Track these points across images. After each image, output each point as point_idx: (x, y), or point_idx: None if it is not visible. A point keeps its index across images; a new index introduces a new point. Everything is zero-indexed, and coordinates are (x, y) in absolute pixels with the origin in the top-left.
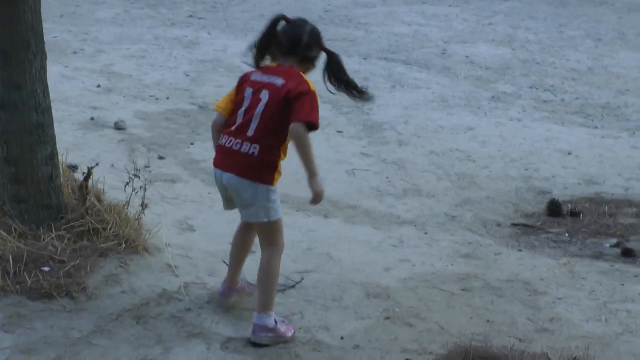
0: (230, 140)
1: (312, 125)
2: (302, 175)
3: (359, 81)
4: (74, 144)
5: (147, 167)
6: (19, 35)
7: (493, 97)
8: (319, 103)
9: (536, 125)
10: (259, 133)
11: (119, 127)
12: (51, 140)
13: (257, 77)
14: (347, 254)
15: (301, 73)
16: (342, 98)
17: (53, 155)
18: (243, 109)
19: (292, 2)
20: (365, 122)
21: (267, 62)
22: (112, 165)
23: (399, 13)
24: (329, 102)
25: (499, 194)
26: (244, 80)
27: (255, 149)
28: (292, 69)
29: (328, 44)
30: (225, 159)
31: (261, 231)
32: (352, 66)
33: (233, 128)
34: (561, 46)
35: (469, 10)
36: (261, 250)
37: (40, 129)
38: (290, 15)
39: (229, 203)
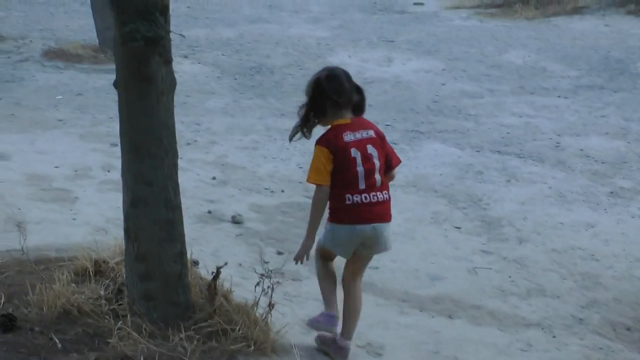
0: (368, 196)
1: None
2: (423, 272)
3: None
4: (193, 238)
5: (265, 262)
6: (152, 131)
7: (612, 192)
8: None
9: None
10: (383, 180)
11: (236, 220)
12: (180, 238)
13: (352, 136)
14: (475, 357)
15: None
16: (457, 192)
17: (182, 253)
18: (361, 167)
19: (399, 92)
20: (482, 217)
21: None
22: (240, 264)
23: (507, 104)
24: (444, 196)
25: (625, 295)
26: (338, 146)
27: (387, 195)
28: (360, 118)
29: (439, 135)
30: (372, 213)
31: (366, 263)
32: (465, 159)
33: (363, 186)
34: None
35: (579, 102)
36: (356, 282)
37: (170, 225)
38: (402, 105)
39: (351, 251)
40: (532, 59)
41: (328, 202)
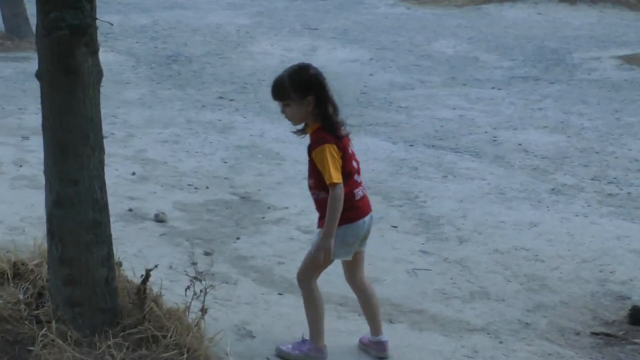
0: (363, 190)
1: None
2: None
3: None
4: (114, 237)
5: (193, 263)
6: (78, 127)
7: (553, 189)
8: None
9: (604, 221)
10: None
11: (159, 219)
12: (108, 239)
13: (350, 149)
14: None
15: None
16: (392, 189)
17: (109, 256)
18: (358, 175)
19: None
20: (420, 216)
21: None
22: (170, 266)
23: (439, 96)
24: (379, 193)
25: (573, 299)
26: (346, 151)
27: None
28: None
29: (370, 128)
30: (368, 203)
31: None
32: (398, 154)
33: (360, 180)
34: (620, 134)
35: (514, 94)
36: (364, 278)
37: (97, 227)
38: None
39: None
40: (463, 48)
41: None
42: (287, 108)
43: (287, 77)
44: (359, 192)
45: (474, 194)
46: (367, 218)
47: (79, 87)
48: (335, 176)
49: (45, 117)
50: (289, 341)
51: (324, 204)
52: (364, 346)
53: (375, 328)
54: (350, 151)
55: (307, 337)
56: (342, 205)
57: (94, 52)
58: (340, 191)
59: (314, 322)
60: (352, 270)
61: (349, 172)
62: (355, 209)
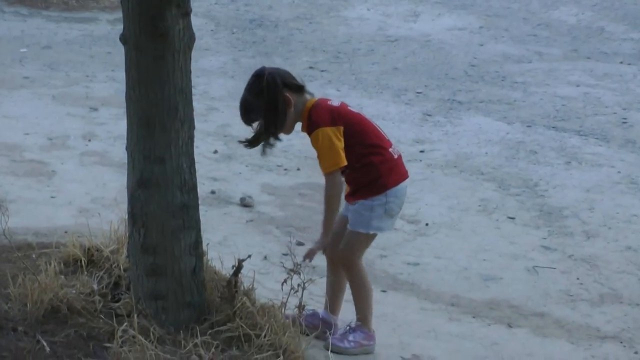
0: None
1: None
2: (474, 271)
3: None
4: None
5: (287, 255)
6: (166, 99)
7: None
8: None
9: None
10: None
11: (245, 203)
12: (196, 225)
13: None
14: None
15: None
16: (508, 175)
17: (198, 244)
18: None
19: (430, 54)
20: (540, 206)
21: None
22: (265, 257)
23: (560, 71)
24: (493, 180)
25: None
26: (343, 111)
27: None
28: None
29: (482, 106)
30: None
31: None
32: (515, 136)
33: (388, 140)
34: None
35: None
36: None
37: (185, 211)
38: (435, 69)
39: None
40: (586, 17)
41: (368, 174)
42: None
43: (248, 94)
44: (394, 151)
45: (602, 183)
46: (407, 181)
47: (168, 53)
48: (331, 163)
49: (129, 87)
50: (338, 332)
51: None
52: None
53: (337, 308)
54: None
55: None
56: (339, 195)
57: (186, 14)
58: (335, 178)
59: (366, 306)
60: (339, 244)
61: (375, 132)
62: (396, 168)
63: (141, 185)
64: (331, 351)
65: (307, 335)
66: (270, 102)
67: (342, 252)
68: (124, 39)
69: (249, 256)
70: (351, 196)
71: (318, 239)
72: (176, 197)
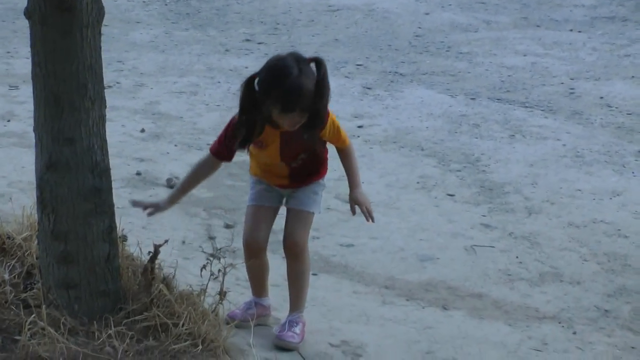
0: None
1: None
2: (410, 252)
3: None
4: (119, 206)
5: (211, 238)
6: (74, 76)
7: None
8: None
9: None
10: None
11: (172, 185)
12: (110, 210)
13: None
14: (479, 359)
15: None
16: (449, 150)
17: (111, 229)
18: None
19: (374, 24)
20: (482, 182)
21: None
22: (183, 242)
23: (509, 40)
24: (433, 155)
25: None
26: None
27: None
28: None
29: (425, 78)
30: None
31: None
32: (457, 108)
33: None
34: None
35: (597, 37)
36: None
37: (97, 195)
38: (377, 40)
39: None
40: None
41: (324, 154)
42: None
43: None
44: None
45: (547, 157)
46: None
47: (75, 27)
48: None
49: (35, 64)
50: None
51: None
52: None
53: (267, 288)
54: None
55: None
56: None
57: None
58: None
59: (305, 294)
60: (266, 232)
61: None
62: None
63: (50, 168)
64: (277, 346)
65: (228, 324)
66: (324, 93)
67: (302, 237)
68: (28, 13)
69: (166, 241)
70: (306, 178)
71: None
72: (87, 180)
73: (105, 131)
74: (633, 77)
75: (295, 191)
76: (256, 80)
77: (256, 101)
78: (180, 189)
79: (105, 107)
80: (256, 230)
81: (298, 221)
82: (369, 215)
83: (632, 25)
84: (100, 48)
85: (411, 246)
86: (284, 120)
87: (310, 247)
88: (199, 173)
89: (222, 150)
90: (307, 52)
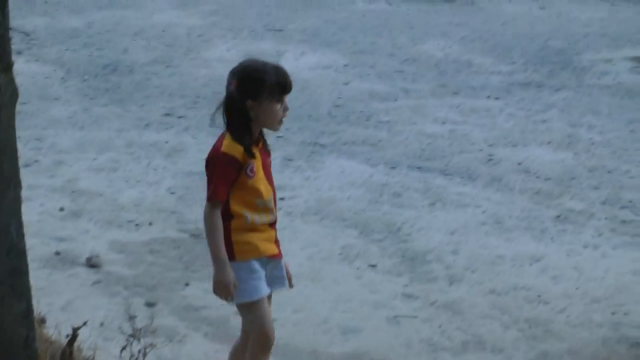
0: None
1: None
2: (334, 324)
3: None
4: (38, 288)
5: (131, 317)
6: None
7: (559, 216)
8: None
9: (618, 253)
10: None
11: (92, 264)
12: (26, 292)
13: None
14: None
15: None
16: (371, 220)
17: (29, 312)
18: None
19: (294, 94)
20: (403, 251)
21: None
22: (102, 323)
23: (428, 108)
24: (355, 226)
25: (583, 346)
26: None
27: None
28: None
29: (345, 148)
30: None
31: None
32: (379, 178)
33: None
34: (636, 149)
35: (514, 104)
36: None
37: (13, 277)
38: (297, 111)
39: None
40: (454, 50)
41: None
42: None
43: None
44: None
45: (467, 225)
46: None
47: None
48: None
49: None
50: None
51: None
52: None
53: None
54: None
55: None
56: None
57: (7, 67)
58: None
59: None
60: None
61: None
62: None
63: None
64: None
65: None
66: None
67: None
68: None
69: (85, 323)
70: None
71: None
72: (3, 262)
73: (21, 212)
74: (549, 142)
75: (275, 265)
76: (236, 89)
77: (244, 110)
78: (223, 251)
79: (21, 187)
80: (271, 322)
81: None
82: None
83: (547, 91)
84: (15, 129)
85: (334, 318)
86: (281, 106)
87: (233, 321)
88: (220, 227)
89: (225, 192)
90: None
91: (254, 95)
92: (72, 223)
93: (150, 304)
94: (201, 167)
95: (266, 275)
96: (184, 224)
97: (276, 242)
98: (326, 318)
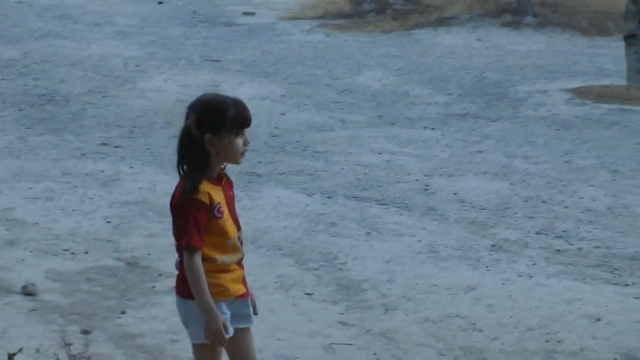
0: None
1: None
2: (269, 352)
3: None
4: None
5: (68, 344)
6: None
7: (494, 246)
8: None
9: (552, 282)
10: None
11: (28, 292)
12: None
13: None
14: None
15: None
16: (307, 249)
17: None
18: None
19: None
20: (339, 280)
21: None
22: (38, 350)
23: (364, 138)
24: (291, 255)
25: None
26: None
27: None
28: None
29: (282, 178)
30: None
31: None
32: (315, 208)
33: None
34: (570, 180)
35: (450, 134)
36: None
37: None
38: None
39: None
40: (391, 81)
41: None
42: None
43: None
44: None
45: (403, 254)
46: None
47: None
48: None
49: None
50: None
51: None
52: None
53: None
54: None
55: None
56: None
57: None
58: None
59: None
60: None
61: None
62: None
63: None
64: None
65: None
66: None
67: None
68: None
69: (20, 350)
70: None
71: None
72: None
73: None
74: (485, 172)
75: (241, 304)
76: (195, 124)
77: (202, 144)
78: (210, 300)
79: None
80: None
81: (251, 341)
82: None
83: (483, 122)
84: None
85: (270, 347)
86: (241, 140)
87: (169, 350)
88: (203, 275)
89: (200, 238)
90: (165, 155)
91: (214, 130)
92: (7, 252)
93: (86, 332)
94: (137, 196)
95: (232, 314)
96: (120, 252)
97: (244, 280)
98: (262, 347)
